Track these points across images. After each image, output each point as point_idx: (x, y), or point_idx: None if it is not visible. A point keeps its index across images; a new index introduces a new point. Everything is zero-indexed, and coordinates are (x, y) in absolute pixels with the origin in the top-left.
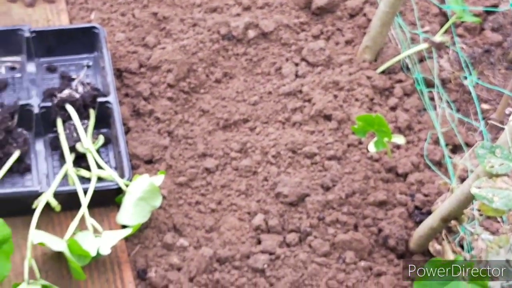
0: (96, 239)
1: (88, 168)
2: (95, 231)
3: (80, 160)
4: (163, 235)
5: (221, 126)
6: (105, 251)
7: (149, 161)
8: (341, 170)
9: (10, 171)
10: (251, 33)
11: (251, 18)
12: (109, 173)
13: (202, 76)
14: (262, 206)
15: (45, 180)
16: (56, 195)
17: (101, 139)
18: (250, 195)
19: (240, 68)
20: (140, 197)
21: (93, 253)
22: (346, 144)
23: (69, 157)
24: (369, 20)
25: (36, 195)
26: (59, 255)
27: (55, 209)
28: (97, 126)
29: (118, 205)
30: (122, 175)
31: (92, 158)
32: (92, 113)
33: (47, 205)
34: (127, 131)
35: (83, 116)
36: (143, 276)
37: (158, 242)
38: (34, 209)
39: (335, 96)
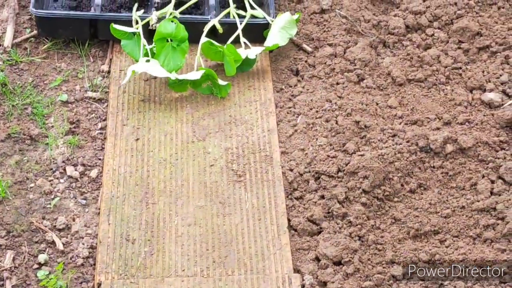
0: (246, 50)
1: (245, 11)
2: (246, 47)
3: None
4: None
5: (411, 235)
6: (252, 56)
7: (338, 263)
8: None
9: (189, 13)
10: (449, 148)
11: (450, 133)
12: (260, 11)
13: (397, 185)
14: None
15: (214, 17)
16: (221, 24)
17: None
18: None
19: (435, 181)
20: (282, 26)
21: (243, 57)
22: None
23: (232, 2)
24: None
25: (207, 21)
26: (216, 67)
27: (218, 31)
28: None
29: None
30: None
31: (248, 3)
32: None
33: (213, 37)
34: (320, 231)
35: None
36: None
37: None
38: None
39: None
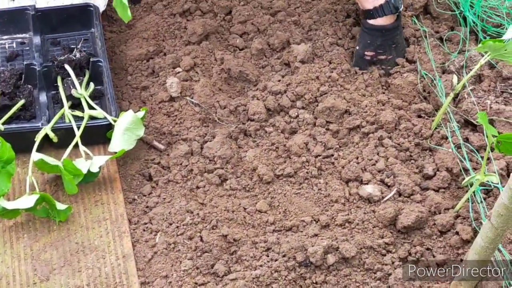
0: (87, 162)
1: (82, 110)
2: (87, 158)
3: (76, 108)
4: None
5: None
6: (95, 169)
7: None
8: None
9: (19, 118)
10: (331, 259)
11: (330, 240)
12: (99, 111)
13: None
14: None
15: (46, 121)
16: (55, 130)
17: (92, 86)
18: None
19: None
20: (126, 127)
21: (84, 171)
22: None
23: (66, 102)
24: (462, 240)
25: (38, 130)
26: (55, 180)
27: (53, 140)
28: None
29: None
30: (110, 115)
31: (85, 101)
32: (87, 72)
33: (48, 142)
34: None
35: (80, 75)
36: None
37: None
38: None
39: None
